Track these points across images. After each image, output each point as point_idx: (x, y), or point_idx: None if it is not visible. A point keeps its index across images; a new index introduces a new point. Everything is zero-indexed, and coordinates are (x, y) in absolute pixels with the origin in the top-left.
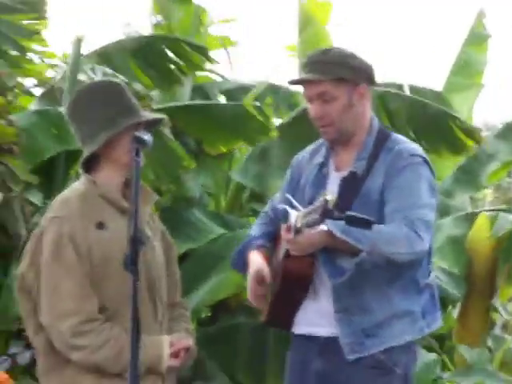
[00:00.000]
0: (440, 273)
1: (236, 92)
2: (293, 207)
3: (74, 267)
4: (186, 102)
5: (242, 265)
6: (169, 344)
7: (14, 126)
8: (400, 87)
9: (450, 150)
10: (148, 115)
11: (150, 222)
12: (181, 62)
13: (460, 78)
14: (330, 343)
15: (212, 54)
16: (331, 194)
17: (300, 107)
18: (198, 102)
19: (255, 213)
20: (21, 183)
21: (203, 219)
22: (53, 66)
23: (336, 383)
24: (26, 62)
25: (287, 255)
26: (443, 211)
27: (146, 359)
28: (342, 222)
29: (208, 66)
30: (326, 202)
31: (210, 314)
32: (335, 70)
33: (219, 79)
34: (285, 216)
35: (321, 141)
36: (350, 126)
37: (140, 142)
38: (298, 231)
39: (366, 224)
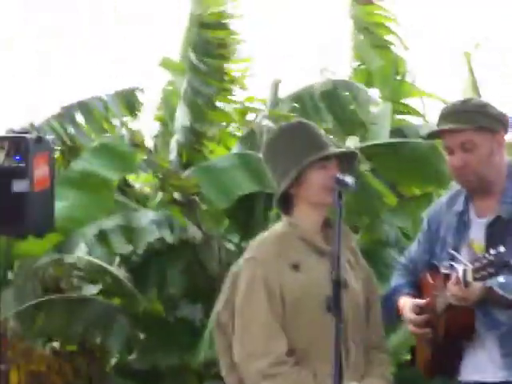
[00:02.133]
0: None
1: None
2: (456, 261)
3: (264, 309)
4: (380, 141)
5: (392, 314)
6: None
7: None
8: None
9: None
10: (337, 150)
11: (352, 260)
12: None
13: None
14: None
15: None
16: (476, 241)
17: None
18: (392, 140)
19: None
20: (219, 224)
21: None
22: (253, 110)
23: None
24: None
25: (449, 306)
26: None
27: None
28: (504, 276)
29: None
30: (502, 253)
31: (410, 357)
32: (476, 119)
33: (419, 123)
34: (450, 269)
35: (456, 189)
36: (490, 175)
37: (341, 183)
38: (466, 285)
39: None
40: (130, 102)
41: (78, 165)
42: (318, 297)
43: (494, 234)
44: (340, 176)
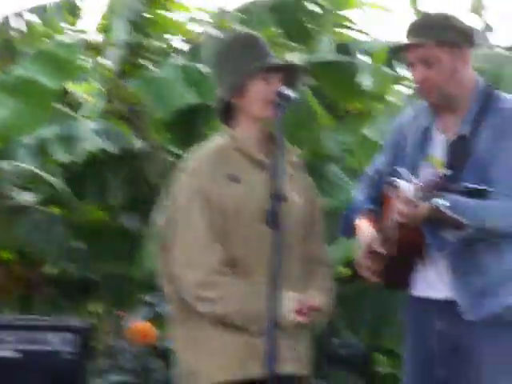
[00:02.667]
0: None
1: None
2: (403, 178)
3: (201, 219)
4: (325, 59)
5: (349, 230)
6: (294, 300)
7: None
8: None
9: None
10: (281, 61)
11: (293, 175)
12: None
13: None
14: (449, 305)
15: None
16: (436, 158)
17: None
18: (337, 58)
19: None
20: (162, 136)
21: (342, 176)
22: (199, 22)
23: (457, 341)
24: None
25: (398, 225)
26: None
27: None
28: (454, 197)
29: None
30: (444, 175)
31: (351, 273)
32: (439, 33)
33: (364, 38)
34: (397, 187)
35: (423, 104)
36: (453, 91)
37: (283, 97)
38: (412, 203)
39: (482, 194)
40: (70, 9)
41: (17, 71)
42: (257, 209)
43: (454, 152)
44: (281, 89)
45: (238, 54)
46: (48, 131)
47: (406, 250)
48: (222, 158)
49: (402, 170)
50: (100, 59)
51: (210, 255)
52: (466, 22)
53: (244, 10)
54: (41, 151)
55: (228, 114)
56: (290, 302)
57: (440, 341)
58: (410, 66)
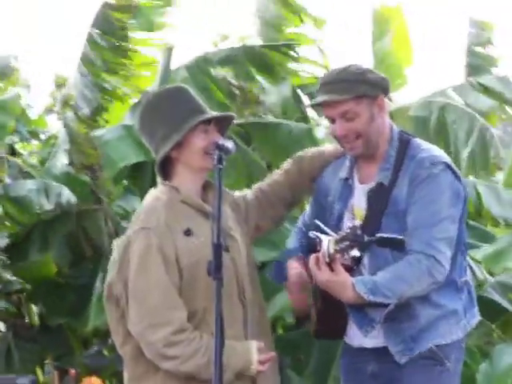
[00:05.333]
0: None
1: None
2: (322, 232)
3: (162, 278)
4: (255, 120)
5: (281, 276)
6: (257, 350)
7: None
8: None
9: None
10: (216, 113)
11: (234, 216)
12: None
13: None
14: (381, 351)
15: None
16: (357, 208)
17: None
18: (269, 120)
19: None
20: (109, 194)
21: (288, 226)
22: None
23: (390, 379)
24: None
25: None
26: None
27: (236, 364)
28: (369, 279)
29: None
30: (355, 227)
31: (295, 320)
32: (355, 87)
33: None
34: (316, 244)
35: (342, 157)
36: (374, 138)
37: (222, 149)
38: (330, 258)
39: (397, 244)
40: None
41: None
42: (208, 262)
43: (374, 201)
44: (220, 141)
45: (173, 108)
46: None
47: (330, 302)
48: (172, 212)
49: (319, 223)
50: (69, 113)
51: (176, 313)
52: (378, 73)
53: (190, 66)
54: None
55: (164, 167)
56: (254, 353)
57: (373, 381)
58: (330, 121)
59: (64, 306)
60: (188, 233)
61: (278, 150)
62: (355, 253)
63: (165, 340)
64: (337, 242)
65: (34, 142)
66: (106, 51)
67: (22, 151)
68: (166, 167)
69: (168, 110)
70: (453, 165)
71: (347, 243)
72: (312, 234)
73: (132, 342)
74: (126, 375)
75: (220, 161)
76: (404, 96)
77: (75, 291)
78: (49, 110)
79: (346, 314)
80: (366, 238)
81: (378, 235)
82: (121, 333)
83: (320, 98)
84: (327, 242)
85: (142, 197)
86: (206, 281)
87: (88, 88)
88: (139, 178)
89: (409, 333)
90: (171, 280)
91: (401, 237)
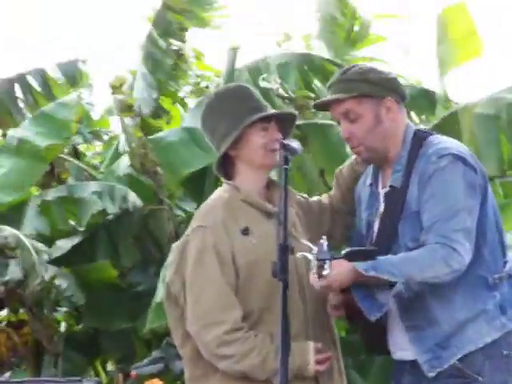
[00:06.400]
0: None
1: None
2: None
3: (216, 277)
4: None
5: None
6: (314, 350)
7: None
8: None
9: None
10: (275, 111)
11: (298, 221)
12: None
13: None
14: (414, 363)
15: None
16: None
17: None
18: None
19: None
20: (171, 196)
21: None
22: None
23: None
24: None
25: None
26: None
27: (293, 364)
28: (373, 261)
29: None
30: (321, 245)
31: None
32: (356, 87)
33: None
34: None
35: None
36: (379, 144)
37: (288, 148)
38: (319, 275)
39: (369, 255)
40: (71, 72)
41: (16, 132)
42: (270, 260)
43: (388, 205)
44: (286, 141)
45: (233, 106)
46: (52, 193)
47: (355, 315)
48: (231, 211)
49: (308, 244)
50: (127, 120)
51: (230, 312)
52: (385, 73)
53: (253, 67)
54: (45, 214)
55: (226, 165)
56: (311, 352)
57: None
58: (337, 122)
59: (125, 309)
60: (246, 232)
61: (331, 151)
62: (326, 271)
63: (218, 339)
64: (316, 256)
65: (97, 143)
66: (167, 53)
67: (85, 152)
68: (229, 166)
69: (228, 107)
70: (466, 155)
71: (315, 262)
72: (300, 254)
73: (191, 343)
74: (186, 375)
75: (286, 161)
76: (470, 94)
77: (137, 294)
78: (111, 111)
79: (384, 328)
80: (330, 255)
81: (348, 249)
82: (180, 333)
83: (321, 100)
84: (313, 261)
85: (200, 200)
86: (263, 280)
87: (147, 90)
88: (200, 181)
89: (434, 341)
90: (226, 279)
91: (372, 247)
